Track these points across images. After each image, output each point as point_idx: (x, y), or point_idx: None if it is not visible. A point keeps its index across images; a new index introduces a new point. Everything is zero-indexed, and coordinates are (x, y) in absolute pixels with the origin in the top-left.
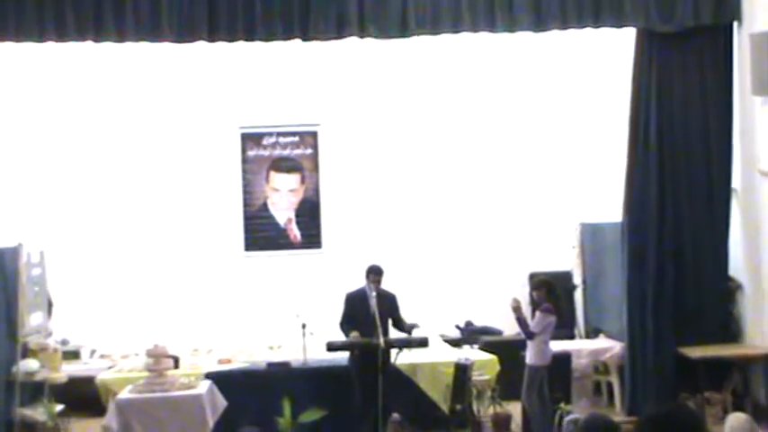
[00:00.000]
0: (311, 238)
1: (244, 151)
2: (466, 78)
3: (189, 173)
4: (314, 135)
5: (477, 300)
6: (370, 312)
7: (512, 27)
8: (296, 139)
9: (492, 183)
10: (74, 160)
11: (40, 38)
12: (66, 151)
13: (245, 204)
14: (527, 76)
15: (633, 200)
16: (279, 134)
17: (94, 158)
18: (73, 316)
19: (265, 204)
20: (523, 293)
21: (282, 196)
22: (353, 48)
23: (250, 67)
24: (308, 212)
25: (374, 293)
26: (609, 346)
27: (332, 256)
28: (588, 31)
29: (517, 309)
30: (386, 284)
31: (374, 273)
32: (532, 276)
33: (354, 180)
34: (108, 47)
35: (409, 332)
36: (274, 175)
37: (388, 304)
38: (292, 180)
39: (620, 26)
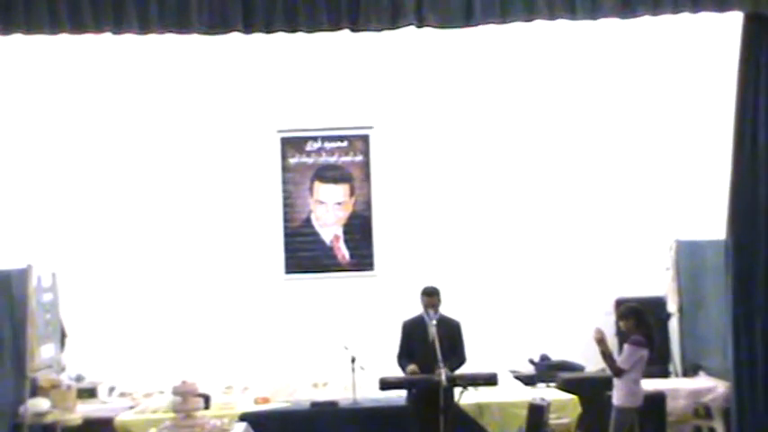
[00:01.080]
0: (362, 258)
1: (284, 158)
2: (540, 74)
3: (220, 184)
4: (365, 139)
5: (554, 330)
6: (428, 342)
7: (594, 13)
8: (344, 144)
9: (571, 193)
10: (89, 168)
11: (54, 29)
12: (82, 158)
13: (286, 220)
14: (610, 70)
15: (739, 213)
16: (324, 138)
17: (113, 166)
18: (89, 348)
19: (309, 220)
20: (609, 323)
21: (328, 210)
22: (411, 39)
23: (291, 62)
24: (359, 229)
25: (433, 321)
26: (711, 386)
27: (386, 280)
28: (684, 16)
29: (601, 341)
30: (448, 311)
31: (427, 294)
32: (619, 303)
33: (412, 191)
34: (128, 39)
35: (453, 369)
36: (319, 186)
37: (450, 333)
38: (340, 191)
39: (724, 10)
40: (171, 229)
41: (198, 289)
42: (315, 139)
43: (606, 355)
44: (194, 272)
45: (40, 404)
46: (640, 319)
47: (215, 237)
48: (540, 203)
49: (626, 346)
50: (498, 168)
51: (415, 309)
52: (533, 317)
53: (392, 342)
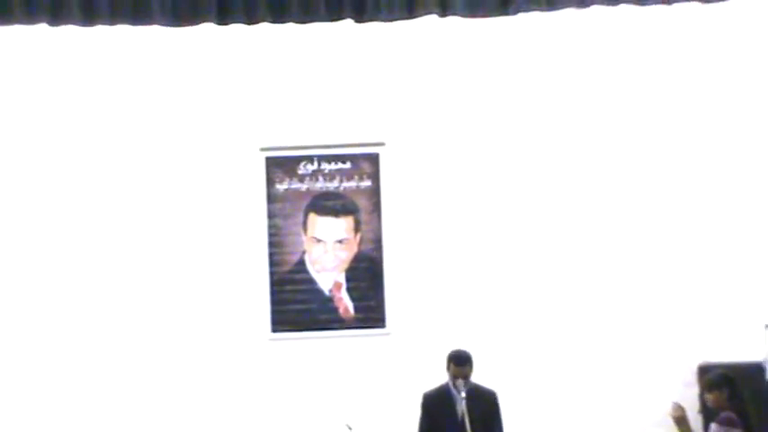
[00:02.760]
0: (370, 312)
1: (270, 184)
2: (600, 76)
3: (186, 218)
4: (374, 160)
5: (618, 406)
6: (457, 421)
7: None
8: (347, 165)
9: (636, 230)
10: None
11: None
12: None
13: (273, 263)
14: (689, 76)
15: None
16: (321, 159)
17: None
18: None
19: (302, 263)
20: (690, 396)
21: (327, 250)
22: (432, 31)
23: (278, 60)
24: (366, 274)
25: (463, 393)
26: None
27: (401, 340)
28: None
29: (682, 420)
30: (481, 379)
31: (457, 362)
32: (705, 370)
33: (434, 227)
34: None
35: None
36: (315, 220)
37: (485, 408)
38: (342, 227)
39: None
40: (125, 278)
41: (161, 355)
42: (309, 159)
43: None
44: (155, 332)
45: None
46: (733, 392)
47: (179, 286)
48: (596, 244)
49: (714, 426)
50: (547, 198)
51: (438, 376)
52: (590, 387)
53: (409, 420)
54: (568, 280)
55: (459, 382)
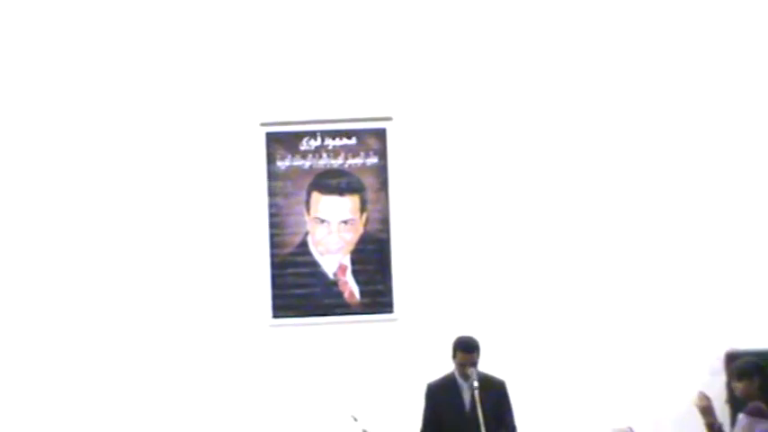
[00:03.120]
0: (377, 296)
1: (270, 161)
2: (615, 46)
3: (181, 197)
4: (381, 135)
5: (640, 395)
6: (465, 411)
7: None
8: (352, 141)
9: (664, 213)
10: None
11: None
12: None
13: (274, 245)
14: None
15: None
16: (325, 134)
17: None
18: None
19: (305, 245)
20: (717, 385)
21: (332, 231)
22: None
23: (278, 29)
24: (372, 257)
25: (475, 383)
26: None
27: (409, 325)
28: None
29: (707, 410)
30: (491, 367)
31: (464, 349)
32: (732, 358)
33: (445, 206)
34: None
35: None
36: (319, 199)
37: (494, 397)
38: (347, 206)
39: None
40: (115, 255)
41: (153, 340)
42: (312, 134)
43: (714, 429)
44: (149, 316)
45: None
46: (764, 380)
47: (175, 269)
48: (622, 224)
49: (741, 417)
50: (567, 179)
51: (446, 365)
52: (611, 376)
53: (417, 410)
54: (589, 265)
55: (471, 370)
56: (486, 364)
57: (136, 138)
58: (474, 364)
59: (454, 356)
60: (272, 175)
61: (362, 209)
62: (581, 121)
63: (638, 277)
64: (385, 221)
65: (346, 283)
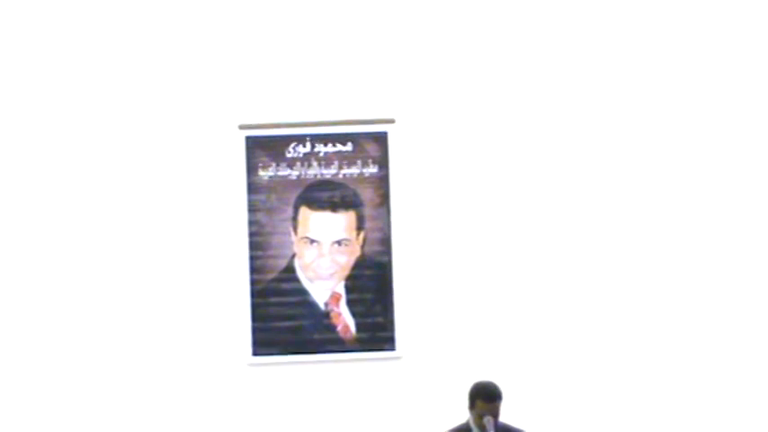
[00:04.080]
0: (376, 330)
1: (251, 171)
2: (618, 50)
3: (142, 211)
4: (381, 141)
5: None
6: None
7: None
8: (348, 147)
9: (681, 216)
10: None
11: None
12: None
13: (254, 269)
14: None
15: None
16: (316, 139)
17: None
18: None
19: (291, 269)
20: None
21: (323, 254)
22: None
23: (262, 18)
24: (371, 284)
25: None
26: None
27: (414, 365)
28: None
29: None
30: (512, 416)
31: (486, 398)
32: None
33: (456, 224)
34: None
35: None
36: (308, 216)
37: None
38: (341, 224)
39: None
40: (74, 271)
41: (118, 381)
42: (301, 139)
43: None
44: (112, 356)
45: None
46: None
47: (139, 298)
48: (660, 248)
49: None
50: (586, 191)
51: (460, 411)
52: (627, 409)
53: None
54: (613, 298)
55: (489, 419)
56: (506, 409)
57: (101, 142)
58: (496, 415)
59: (472, 406)
60: (253, 186)
61: (359, 227)
62: (603, 127)
63: (659, 314)
64: (386, 242)
65: (340, 314)
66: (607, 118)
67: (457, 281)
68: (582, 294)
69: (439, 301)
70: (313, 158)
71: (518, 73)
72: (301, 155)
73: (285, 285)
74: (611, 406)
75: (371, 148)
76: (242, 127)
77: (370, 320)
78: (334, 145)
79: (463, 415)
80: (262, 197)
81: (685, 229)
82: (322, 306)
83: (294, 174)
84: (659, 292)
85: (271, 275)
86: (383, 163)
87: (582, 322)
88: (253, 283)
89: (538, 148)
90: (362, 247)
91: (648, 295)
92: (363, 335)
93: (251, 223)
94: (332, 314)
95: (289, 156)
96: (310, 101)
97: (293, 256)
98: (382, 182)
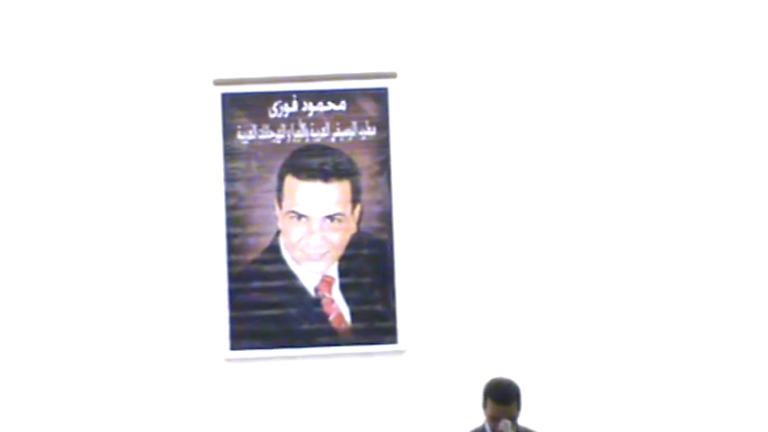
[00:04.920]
0: (375, 320)
1: (228, 134)
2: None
3: (104, 180)
4: (382, 98)
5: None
6: None
7: None
8: (341, 107)
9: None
10: None
11: None
12: None
13: (232, 250)
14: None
15: None
16: (304, 97)
17: None
18: None
19: (275, 249)
20: None
21: (313, 231)
22: None
23: None
24: (369, 266)
25: None
26: None
27: (418, 359)
28: None
29: None
30: (531, 416)
31: (498, 399)
32: None
33: (466, 196)
34: None
35: None
36: (295, 186)
37: None
38: (333, 196)
39: None
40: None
41: (72, 379)
42: (287, 97)
43: None
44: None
45: None
46: None
47: (96, 280)
48: (687, 237)
49: None
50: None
51: (472, 412)
52: (637, 405)
53: None
54: (629, 292)
55: (506, 422)
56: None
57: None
58: (512, 418)
59: (485, 406)
60: (231, 152)
61: (355, 200)
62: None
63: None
64: (386, 217)
65: (332, 301)
66: (629, 79)
67: (468, 262)
68: (602, 284)
69: (447, 286)
70: (300, 119)
71: (542, 16)
72: (287, 115)
73: (268, 268)
74: (629, 402)
75: (369, 107)
76: (217, 83)
77: (367, 308)
78: (325, 103)
79: (477, 417)
80: (241, 165)
81: (695, 224)
82: (312, 292)
83: (278, 137)
84: (669, 285)
85: (251, 256)
86: (383, 124)
87: (602, 314)
88: (230, 265)
89: (563, 101)
90: (359, 222)
91: (659, 287)
92: (360, 325)
93: (228, 195)
94: (323, 301)
95: (272, 116)
96: (297, 52)
97: (278, 233)
98: (381, 146)
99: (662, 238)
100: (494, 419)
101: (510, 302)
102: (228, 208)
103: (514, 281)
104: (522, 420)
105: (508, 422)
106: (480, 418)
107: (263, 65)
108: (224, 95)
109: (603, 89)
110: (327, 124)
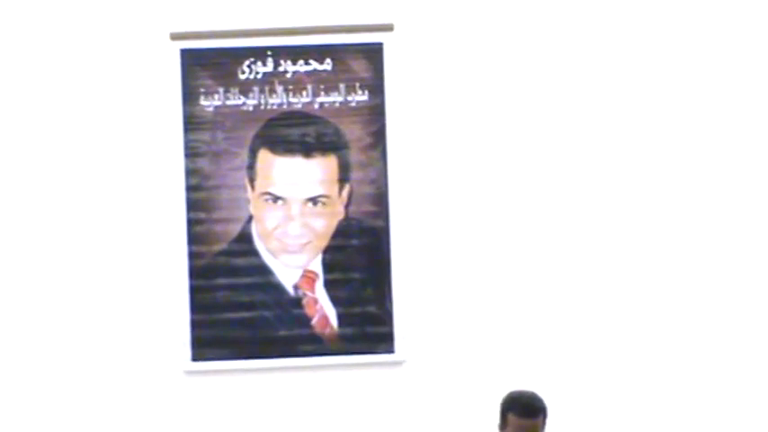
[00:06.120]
0: (367, 325)
1: (188, 99)
2: None
3: (42, 151)
4: (375, 56)
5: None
6: None
7: None
8: (326, 66)
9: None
10: None
11: None
12: None
13: (194, 239)
14: None
15: None
16: (281, 53)
17: None
18: None
19: (247, 238)
20: None
21: (292, 217)
22: None
23: None
24: (360, 259)
25: None
26: None
27: (418, 372)
28: None
29: None
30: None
31: (522, 412)
32: None
33: (476, 172)
34: None
35: None
36: (271, 162)
37: None
38: (316, 174)
39: None
40: None
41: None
42: (260, 54)
43: None
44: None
45: None
46: None
47: (30, 278)
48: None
49: None
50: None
51: None
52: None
53: None
54: (645, 285)
55: None
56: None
57: None
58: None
59: (503, 424)
60: (193, 121)
61: (343, 179)
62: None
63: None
64: (380, 199)
65: (316, 301)
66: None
67: (478, 255)
68: (626, 287)
69: (453, 284)
70: (277, 81)
71: None
72: (260, 76)
73: (238, 261)
74: (642, 411)
75: (360, 67)
76: (175, 37)
77: (358, 310)
78: (306, 62)
79: None
80: (204, 136)
81: (699, 224)
82: (290, 290)
83: (250, 103)
84: (673, 290)
85: (217, 247)
86: (376, 87)
87: (623, 320)
88: (192, 257)
89: (593, 65)
90: (347, 206)
91: (664, 292)
92: (349, 330)
93: (189, 173)
94: (304, 301)
95: (242, 78)
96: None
97: (249, 219)
98: (375, 114)
99: (673, 239)
100: None
101: (525, 304)
102: (189, 188)
103: (530, 276)
104: None
105: None
106: None
107: (231, 15)
108: (183, 52)
109: (628, 48)
110: (309, 87)
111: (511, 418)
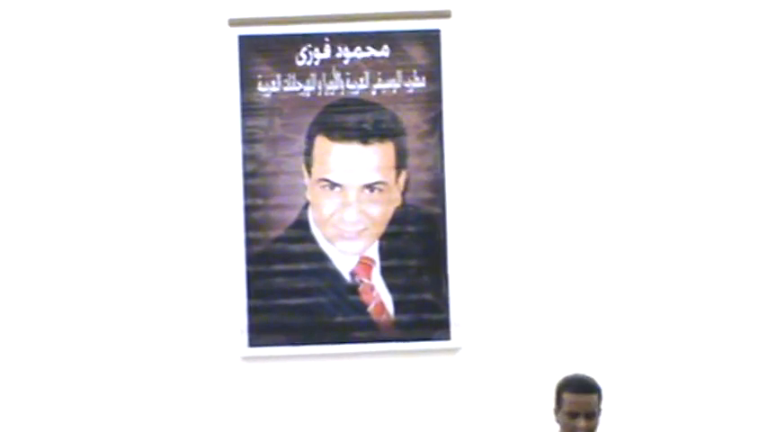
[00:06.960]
0: (423, 312)
1: (247, 84)
2: None
3: (100, 143)
4: (432, 42)
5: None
6: None
7: None
8: (383, 53)
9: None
10: None
11: None
12: None
13: (250, 226)
14: None
15: None
16: (338, 40)
17: None
18: None
19: (303, 224)
20: None
21: (349, 203)
22: None
23: None
24: (416, 246)
25: None
26: None
27: (475, 359)
28: None
29: None
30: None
31: (574, 388)
32: None
33: (535, 160)
34: None
35: None
36: (328, 149)
37: None
38: (373, 161)
39: None
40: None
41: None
42: (317, 41)
43: None
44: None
45: None
46: None
47: (90, 269)
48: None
49: None
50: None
51: (538, 421)
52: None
53: None
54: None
55: (582, 424)
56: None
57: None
58: (590, 414)
59: (558, 408)
60: (250, 108)
61: (399, 165)
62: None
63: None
64: (437, 186)
65: (372, 288)
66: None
67: (537, 242)
68: (674, 276)
69: (511, 271)
70: (334, 68)
71: None
72: (318, 63)
73: (294, 247)
74: (690, 391)
75: (417, 54)
76: (233, 23)
77: (414, 297)
78: (364, 49)
79: (550, 426)
80: (262, 123)
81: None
82: (347, 277)
83: (307, 90)
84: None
85: (274, 233)
86: (433, 74)
87: (694, 310)
88: (249, 243)
89: (654, 50)
90: (404, 193)
91: (719, 281)
92: (405, 317)
93: (247, 159)
94: (360, 288)
95: (300, 64)
96: None
97: (306, 205)
98: (432, 101)
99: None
100: (572, 416)
101: (581, 290)
102: (246, 175)
103: (587, 263)
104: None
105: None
106: (546, 429)
107: (289, 2)
108: (241, 38)
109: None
110: (367, 74)
111: (566, 396)
